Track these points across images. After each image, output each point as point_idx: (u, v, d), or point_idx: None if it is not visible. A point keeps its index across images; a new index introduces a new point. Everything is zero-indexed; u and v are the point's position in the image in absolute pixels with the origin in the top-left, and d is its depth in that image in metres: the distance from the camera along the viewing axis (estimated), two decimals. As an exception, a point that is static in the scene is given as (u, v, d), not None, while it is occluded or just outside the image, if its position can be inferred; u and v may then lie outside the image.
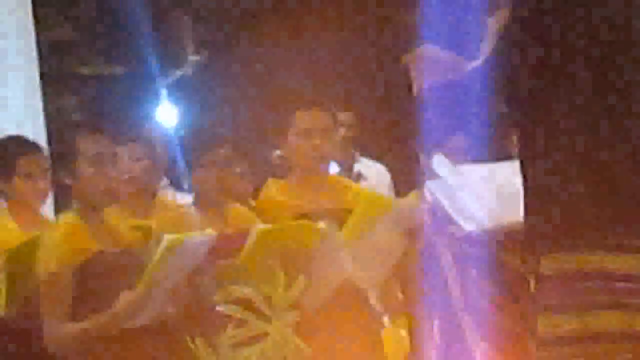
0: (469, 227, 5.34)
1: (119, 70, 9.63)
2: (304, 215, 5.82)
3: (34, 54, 8.67)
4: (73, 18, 9.83)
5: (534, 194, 4.33)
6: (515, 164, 4.55)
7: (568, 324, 4.10)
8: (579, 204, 4.19)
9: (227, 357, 5.04)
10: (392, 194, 6.67)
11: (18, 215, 6.12)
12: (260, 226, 5.56)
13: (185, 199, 6.35)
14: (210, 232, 5.60)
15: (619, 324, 4.13)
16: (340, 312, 5.76)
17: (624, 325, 4.13)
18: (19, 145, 6.41)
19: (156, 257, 5.34)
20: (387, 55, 9.29)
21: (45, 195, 6.29)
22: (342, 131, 6.57)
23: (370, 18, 10.71)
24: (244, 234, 5.59)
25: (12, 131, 6.67)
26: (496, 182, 5.12)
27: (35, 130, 7.66)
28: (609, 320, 4.10)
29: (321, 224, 5.64)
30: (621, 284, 4.14)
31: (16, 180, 6.13)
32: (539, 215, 4.31)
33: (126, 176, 5.94)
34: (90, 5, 9.95)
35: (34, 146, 6.47)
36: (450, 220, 5.55)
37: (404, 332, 6.22)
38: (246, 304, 5.12)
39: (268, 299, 5.09)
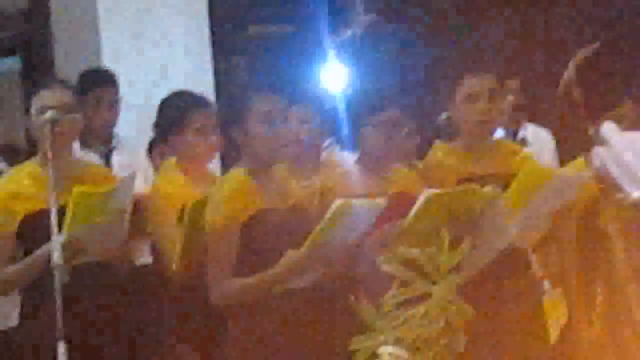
0: (637, 194, 5.32)
1: (287, 29, 9.67)
2: (468, 179, 5.82)
3: (205, 14, 8.81)
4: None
5: None
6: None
7: None
8: None
9: (390, 317, 4.93)
10: (556, 161, 6.63)
11: (187, 169, 6.24)
12: (431, 190, 5.55)
13: (350, 158, 6.35)
14: (380, 201, 5.60)
15: None
16: (502, 276, 5.84)
17: None
18: (191, 100, 6.50)
19: (324, 220, 5.37)
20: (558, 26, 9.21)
21: (214, 151, 6.40)
22: (509, 97, 6.51)
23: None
24: (411, 197, 5.64)
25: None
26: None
27: (205, 88, 7.72)
28: None
29: (488, 188, 5.65)
30: None
31: (188, 134, 6.26)
32: None
33: (294, 136, 5.97)
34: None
35: (205, 102, 6.54)
36: (619, 187, 5.54)
37: (563, 301, 6.19)
38: (411, 266, 5.04)
39: (433, 260, 5.04)
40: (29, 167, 5.86)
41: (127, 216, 5.81)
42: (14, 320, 6.06)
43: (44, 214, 5.49)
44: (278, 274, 5.45)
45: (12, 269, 5.74)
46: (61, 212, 5.47)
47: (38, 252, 5.58)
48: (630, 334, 5.62)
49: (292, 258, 5.41)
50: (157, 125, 6.46)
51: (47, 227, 5.41)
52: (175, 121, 6.30)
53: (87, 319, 5.70)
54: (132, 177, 5.89)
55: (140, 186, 6.40)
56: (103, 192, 5.68)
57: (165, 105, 6.48)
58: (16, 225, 5.73)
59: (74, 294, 5.52)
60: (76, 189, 5.53)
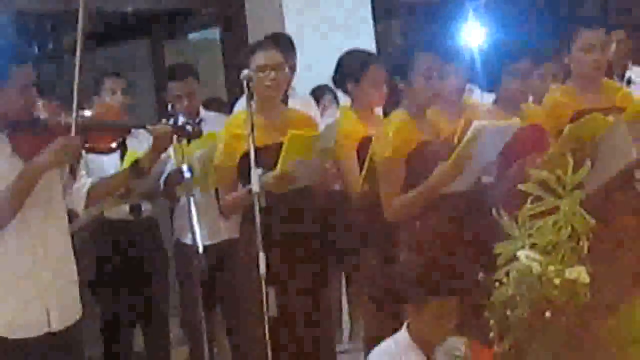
0: None
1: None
2: (581, 113, 5.79)
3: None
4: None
5: None
6: None
7: None
8: None
9: (525, 226, 4.95)
10: None
11: (361, 113, 6.27)
12: (571, 125, 5.60)
13: (487, 99, 6.36)
14: (513, 122, 5.67)
15: None
16: (617, 191, 5.78)
17: None
18: (368, 56, 6.53)
19: (466, 137, 5.46)
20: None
21: (384, 99, 6.42)
22: (614, 47, 6.46)
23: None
24: (540, 128, 5.76)
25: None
26: None
27: (367, 47, 7.72)
28: None
29: (611, 118, 5.66)
30: None
31: (365, 84, 6.28)
32: None
33: (447, 87, 5.97)
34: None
35: (378, 58, 6.59)
36: None
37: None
38: (542, 185, 5.07)
39: (560, 180, 5.02)
40: (242, 114, 5.84)
41: (329, 153, 5.95)
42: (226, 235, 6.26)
43: (258, 151, 5.49)
44: (433, 182, 5.53)
45: (229, 197, 5.86)
46: (274, 149, 5.62)
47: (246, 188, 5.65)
48: None
49: (442, 167, 5.49)
50: (337, 76, 6.47)
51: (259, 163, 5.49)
52: (355, 73, 6.31)
53: (288, 233, 5.82)
54: (333, 124, 6.00)
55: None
56: (311, 136, 5.82)
57: (346, 59, 6.46)
58: (237, 161, 5.81)
59: (282, 214, 5.73)
60: (291, 133, 5.66)
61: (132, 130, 5.82)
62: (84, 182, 4.99)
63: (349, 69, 6.37)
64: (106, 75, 6.98)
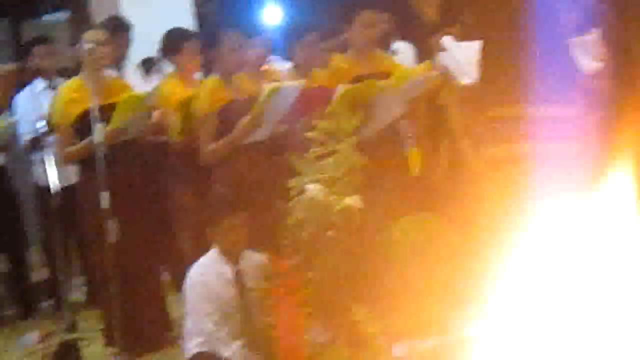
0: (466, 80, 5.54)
1: None
2: (358, 76, 5.91)
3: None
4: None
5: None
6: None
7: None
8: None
9: (311, 166, 5.13)
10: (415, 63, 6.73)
11: (182, 78, 6.36)
12: (344, 85, 5.68)
13: (286, 66, 6.47)
14: (299, 82, 5.79)
15: None
16: (384, 141, 5.90)
17: None
18: (186, 32, 6.65)
19: (262, 96, 5.59)
20: None
21: (198, 68, 6.49)
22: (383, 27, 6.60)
23: None
24: (330, 90, 5.75)
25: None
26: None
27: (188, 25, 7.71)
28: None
29: (381, 82, 5.73)
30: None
31: (184, 54, 6.37)
32: None
33: (250, 56, 6.04)
34: None
35: (193, 35, 6.69)
36: (454, 77, 5.77)
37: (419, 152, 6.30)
38: (325, 132, 5.21)
39: (338, 127, 5.19)
40: (76, 81, 5.89)
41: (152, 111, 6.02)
42: (74, 179, 6.18)
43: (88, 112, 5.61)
44: (237, 133, 5.62)
45: (73, 148, 5.80)
46: (102, 109, 5.60)
47: (87, 139, 5.68)
48: (463, 170, 5.85)
49: (244, 121, 5.59)
50: (163, 48, 6.54)
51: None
52: (176, 46, 6.42)
53: (123, 175, 5.80)
54: (156, 88, 6.07)
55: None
56: (139, 96, 5.88)
57: (169, 36, 6.53)
58: (72, 120, 5.76)
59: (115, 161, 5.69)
60: (123, 95, 5.76)
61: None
62: None
63: (172, 43, 6.48)
64: None
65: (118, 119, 5.66)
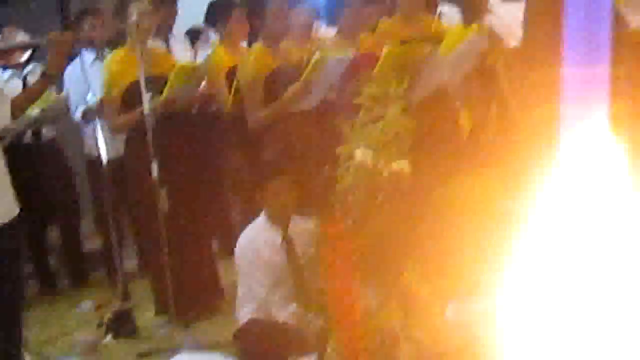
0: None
1: None
2: (406, 40, 5.80)
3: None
4: None
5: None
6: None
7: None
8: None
9: (359, 132, 5.02)
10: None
11: (229, 47, 6.36)
12: (389, 47, 5.59)
13: (331, 31, 6.51)
14: (349, 53, 5.81)
15: None
16: (433, 102, 5.79)
17: None
18: (229, 1, 6.64)
19: (309, 66, 5.60)
20: None
21: (246, 36, 6.52)
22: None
23: None
24: (377, 55, 5.65)
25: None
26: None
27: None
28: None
29: (426, 47, 5.68)
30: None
31: (230, 24, 6.37)
32: None
33: (295, 22, 6.07)
34: None
35: (239, 3, 6.68)
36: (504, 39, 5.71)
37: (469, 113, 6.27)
38: (372, 98, 5.18)
39: (385, 92, 5.20)
40: (122, 52, 5.92)
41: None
42: (122, 151, 6.18)
43: (132, 84, 5.65)
44: (285, 99, 5.66)
45: (123, 117, 5.85)
46: (149, 80, 5.61)
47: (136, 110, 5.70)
48: (513, 131, 5.73)
49: (292, 89, 5.62)
50: (208, 18, 6.58)
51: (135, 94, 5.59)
52: (222, 15, 6.41)
53: (172, 145, 5.82)
54: (207, 58, 6.10)
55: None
56: (191, 67, 5.92)
57: (215, 5, 6.61)
58: (122, 91, 5.80)
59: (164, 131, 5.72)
60: (177, 64, 5.80)
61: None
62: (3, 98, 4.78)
63: (218, 12, 6.49)
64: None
65: (170, 89, 5.68)
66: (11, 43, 5.27)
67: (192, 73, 5.86)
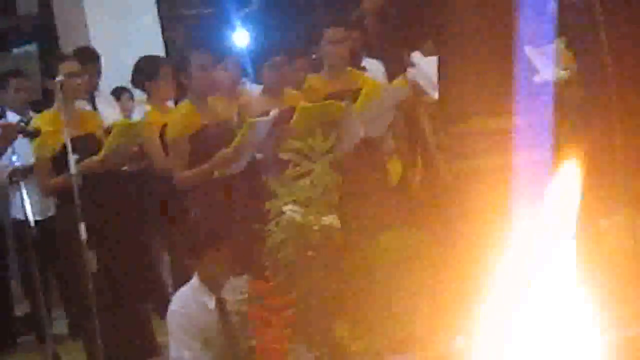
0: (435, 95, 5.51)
1: (209, 11, 9.62)
2: (332, 95, 5.89)
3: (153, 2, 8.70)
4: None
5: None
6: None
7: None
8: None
9: (289, 187, 5.06)
10: (385, 80, 6.74)
11: (158, 106, 6.29)
12: (302, 104, 5.69)
13: (256, 88, 6.50)
14: (274, 112, 5.73)
15: None
16: (360, 155, 5.86)
17: None
18: (159, 59, 6.67)
19: (241, 131, 5.54)
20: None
21: (173, 93, 6.42)
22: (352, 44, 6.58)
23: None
24: (293, 109, 5.73)
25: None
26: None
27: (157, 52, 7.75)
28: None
29: (344, 102, 5.71)
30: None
31: (160, 82, 6.27)
32: None
33: (221, 79, 6.05)
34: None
35: (166, 60, 6.66)
36: (425, 92, 5.75)
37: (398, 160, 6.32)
38: (299, 152, 5.20)
39: (311, 148, 5.20)
40: (50, 114, 5.78)
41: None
42: (52, 211, 6.10)
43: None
44: (215, 163, 5.54)
45: (54, 179, 5.67)
46: (78, 140, 5.52)
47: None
48: (435, 173, 5.74)
49: (223, 153, 5.52)
50: (135, 77, 6.45)
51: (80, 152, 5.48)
52: (149, 74, 6.32)
53: (103, 205, 5.71)
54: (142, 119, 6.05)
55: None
56: (129, 124, 5.91)
57: (141, 64, 6.45)
58: (53, 153, 5.64)
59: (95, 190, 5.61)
60: (114, 123, 5.80)
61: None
62: None
63: (145, 71, 6.41)
64: None
65: (109, 147, 5.61)
66: None
67: (129, 131, 5.80)
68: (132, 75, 6.45)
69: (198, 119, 5.69)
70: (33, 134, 5.35)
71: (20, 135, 5.29)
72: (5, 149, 5.12)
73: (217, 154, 5.53)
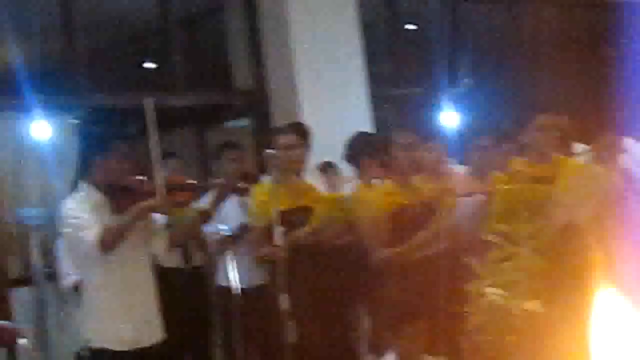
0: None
1: (417, 90, 9.72)
2: (535, 179, 5.71)
3: (364, 82, 8.86)
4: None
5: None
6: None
7: None
8: None
9: (491, 269, 5.07)
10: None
11: (367, 183, 6.26)
12: (508, 186, 5.60)
13: (462, 170, 6.48)
14: (480, 195, 5.73)
15: None
16: (565, 241, 5.70)
17: None
18: (372, 138, 6.67)
19: (442, 212, 5.58)
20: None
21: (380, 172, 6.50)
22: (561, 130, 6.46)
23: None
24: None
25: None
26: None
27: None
28: None
29: (549, 186, 5.60)
30: None
31: (373, 160, 6.26)
32: None
33: (424, 159, 6.04)
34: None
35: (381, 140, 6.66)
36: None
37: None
38: (503, 235, 5.18)
39: (516, 231, 5.14)
40: (267, 184, 5.92)
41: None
42: (256, 281, 6.19)
43: (282, 213, 5.62)
44: (415, 244, 5.58)
45: (267, 248, 5.70)
46: (294, 211, 5.72)
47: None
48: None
49: (423, 234, 5.56)
50: (349, 152, 6.50)
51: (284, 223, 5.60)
52: (366, 150, 6.35)
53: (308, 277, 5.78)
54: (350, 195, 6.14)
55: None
56: (339, 198, 6.07)
57: (358, 139, 6.52)
58: (267, 222, 5.67)
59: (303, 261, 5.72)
60: (321, 196, 5.92)
61: None
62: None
63: (360, 147, 6.45)
64: (171, 155, 7.06)
65: (317, 219, 5.75)
66: (179, 185, 5.45)
67: (336, 205, 5.90)
68: (347, 149, 6.51)
69: (400, 198, 5.73)
70: (244, 190, 5.51)
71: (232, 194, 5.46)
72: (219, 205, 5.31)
73: (418, 234, 5.55)
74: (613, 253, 5.84)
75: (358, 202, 6.05)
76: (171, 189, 4.96)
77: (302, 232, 5.67)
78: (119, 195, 4.82)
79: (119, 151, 4.83)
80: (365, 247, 5.96)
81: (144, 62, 10.11)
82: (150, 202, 4.76)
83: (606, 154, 5.87)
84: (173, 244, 5.20)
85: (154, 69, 9.96)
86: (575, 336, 5.06)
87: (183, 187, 5.19)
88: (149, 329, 4.96)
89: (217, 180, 5.20)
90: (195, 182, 5.41)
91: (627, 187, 5.71)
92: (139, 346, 4.86)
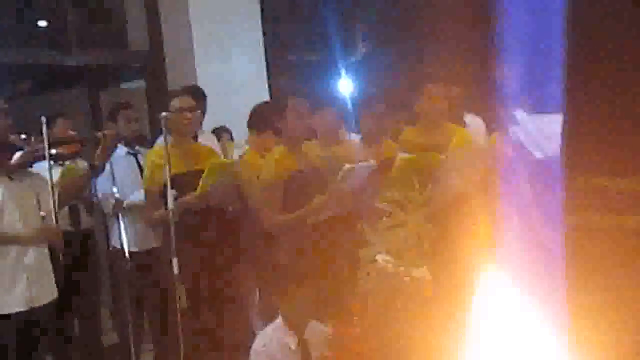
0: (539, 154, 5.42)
1: (314, 58, 9.72)
2: (424, 146, 5.87)
3: (261, 45, 8.88)
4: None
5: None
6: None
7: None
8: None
9: (382, 236, 5.03)
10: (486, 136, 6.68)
11: (257, 150, 6.31)
12: (402, 155, 5.72)
13: (355, 137, 6.52)
14: (372, 162, 5.80)
15: None
16: (454, 209, 5.75)
17: None
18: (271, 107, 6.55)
19: (338, 177, 5.59)
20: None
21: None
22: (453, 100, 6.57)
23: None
24: (393, 160, 5.80)
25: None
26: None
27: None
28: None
29: (442, 155, 5.73)
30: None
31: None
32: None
33: (317, 125, 6.07)
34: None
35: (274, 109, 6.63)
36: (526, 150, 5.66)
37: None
38: (395, 203, 5.18)
39: (408, 199, 5.17)
40: (161, 147, 5.74)
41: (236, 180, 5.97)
42: (153, 244, 6.20)
43: (175, 177, 5.57)
44: (310, 209, 5.59)
45: (157, 213, 5.73)
46: (189, 175, 5.64)
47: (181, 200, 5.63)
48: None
49: (318, 200, 5.57)
50: (252, 121, 6.42)
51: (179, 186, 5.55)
52: (261, 119, 6.30)
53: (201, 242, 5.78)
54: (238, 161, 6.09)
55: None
56: (226, 163, 5.91)
57: (259, 110, 6.43)
58: (160, 185, 5.65)
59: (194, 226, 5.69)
60: (210, 161, 5.73)
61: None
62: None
63: (263, 118, 6.36)
64: (60, 115, 6.94)
65: (204, 185, 5.62)
66: (63, 139, 5.36)
67: (225, 170, 5.81)
68: (249, 117, 6.48)
69: (293, 165, 5.73)
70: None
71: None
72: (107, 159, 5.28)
73: (313, 201, 5.55)
74: (497, 225, 5.98)
75: (247, 167, 6.03)
76: (58, 142, 4.91)
77: (192, 197, 5.59)
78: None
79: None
80: (253, 213, 5.97)
81: (37, 20, 9.85)
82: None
83: (496, 125, 5.95)
84: (63, 201, 5.11)
85: (47, 27, 9.72)
86: (459, 304, 5.24)
87: (68, 141, 5.13)
88: (42, 289, 4.94)
89: (107, 131, 5.11)
90: (79, 136, 5.36)
91: (515, 159, 5.80)
92: (33, 305, 4.88)
